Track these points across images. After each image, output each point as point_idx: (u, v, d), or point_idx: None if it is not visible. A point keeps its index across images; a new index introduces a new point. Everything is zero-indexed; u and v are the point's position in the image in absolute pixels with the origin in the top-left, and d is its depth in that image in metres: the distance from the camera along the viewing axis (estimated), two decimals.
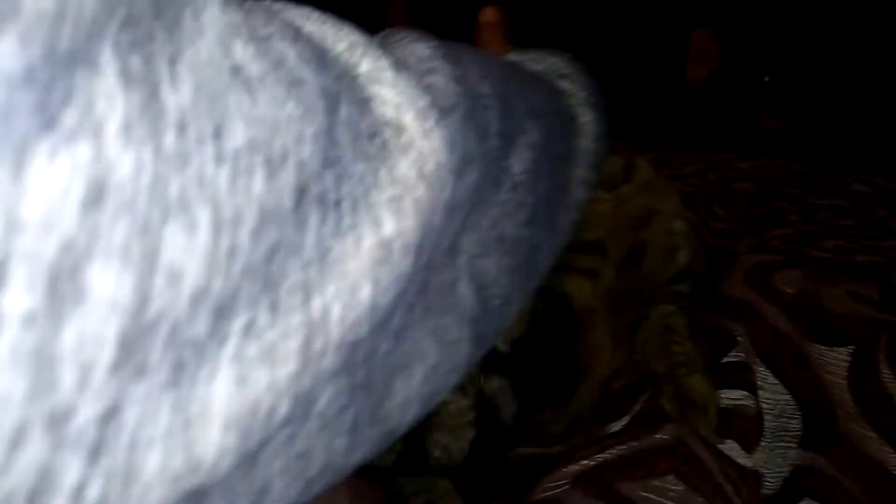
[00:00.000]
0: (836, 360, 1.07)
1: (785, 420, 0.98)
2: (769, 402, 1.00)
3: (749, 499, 0.87)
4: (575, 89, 0.60)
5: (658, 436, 0.88)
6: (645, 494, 0.78)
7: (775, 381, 1.01)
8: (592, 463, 0.84)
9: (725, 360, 1.01)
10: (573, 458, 0.86)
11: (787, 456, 0.95)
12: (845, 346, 1.07)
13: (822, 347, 1.08)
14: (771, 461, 0.95)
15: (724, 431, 0.93)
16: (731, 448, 0.91)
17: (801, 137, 3.38)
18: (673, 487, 0.81)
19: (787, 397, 1.00)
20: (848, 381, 1.05)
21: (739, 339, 1.03)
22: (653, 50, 3.58)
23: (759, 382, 1.00)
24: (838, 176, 2.17)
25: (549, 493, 0.82)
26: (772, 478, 0.94)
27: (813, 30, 3.42)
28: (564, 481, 0.82)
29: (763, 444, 0.96)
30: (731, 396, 0.96)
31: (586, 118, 0.60)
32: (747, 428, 0.94)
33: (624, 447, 0.87)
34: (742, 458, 0.92)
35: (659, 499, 0.79)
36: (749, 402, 0.96)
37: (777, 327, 1.06)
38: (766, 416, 0.99)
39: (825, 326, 1.10)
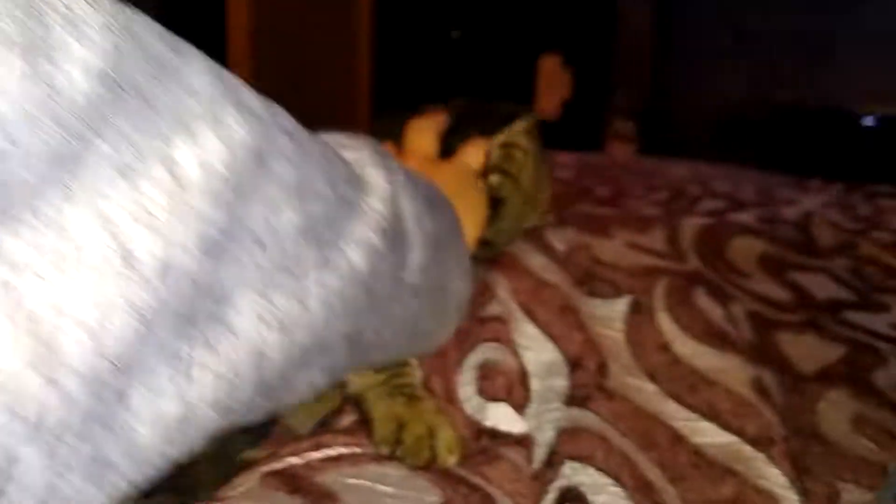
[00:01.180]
0: (611, 313, 0.95)
1: (554, 379, 0.85)
2: (536, 362, 0.86)
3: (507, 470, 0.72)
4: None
5: None
6: (353, 482, 0.62)
7: (542, 338, 0.88)
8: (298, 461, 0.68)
9: (482, 314, 0.87)
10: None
11: (554, 418, 0.81)
12: (621, 297, 0.96)
13: (597, 301, 0.97)
14: (540, 427, 0.81)
15: (491, 392, 0.79)
16: (502, 413, 0.77)
17: None
18: (394, 472, 0.65)
19: (555, 355, 0.86)
20: (625, 333, 0.93)
21: (501, 293, 0.90)
22: (500, 82, 3.55)
23: (522, 342, 0.87)
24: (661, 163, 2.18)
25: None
26: (541, 445, 0.79)
27: None
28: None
29: (531, 407, 0.82)
30: (489, 354, 0.82)
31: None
32: (512, 386, 0.80)
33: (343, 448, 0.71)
34: (510, 424, 0.77)
35: (370, 483, 0.63)
36: (507, 358, 0.82)
37: (545, 280, 0.94)
38: (533, 379, 0.85)
39: (600, 279, 0.99)
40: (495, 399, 0.78)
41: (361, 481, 0.63)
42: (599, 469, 0.73)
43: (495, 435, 0.76)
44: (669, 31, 4.25)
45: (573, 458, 0.75)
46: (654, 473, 0.76)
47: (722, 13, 4.01)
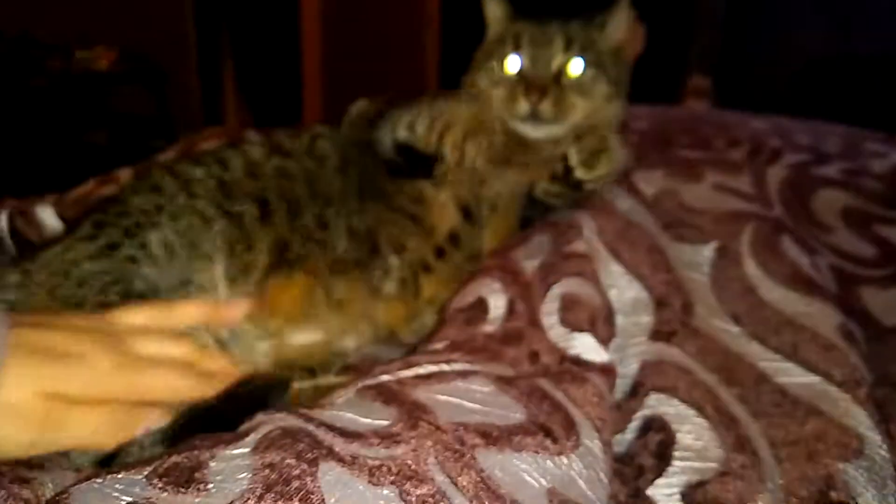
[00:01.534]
0: (698, 258, 0.96)
1: (638, 315, 0.86)
2: (620, 298, 0.88)
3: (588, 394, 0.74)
4: None
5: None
6: (443, 398, 0.65)
7: (627, 277, 0.89)
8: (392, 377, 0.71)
9: (567, 250, 0.88)
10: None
11: (638, 351, 0.83)
12: (707, 243, 0.97)
13: (684, 245, 0.97)
14: (624, 360, 0.83)
15: (574, 323, 0.81)
16: (586, 343, 0.79)
17: None
18: (480, 389, 0.68)
19: (641, 293, 0.88)
20: (711, 277, 0.94)
21: (587, 232, 0.91)
22: None
23: (607, 279, 0.88)
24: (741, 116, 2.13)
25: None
26: (624, 377, 0.82)
27: None
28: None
29: (615, 341, 0.84)
30: (573, 287, 0.84)
31: None
32: (595, 319, 0.81)
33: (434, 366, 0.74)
34: (594, 354, 0.79)
35: (459, 400, 0.66)
36: (591, 292, 0.84)
37: (632, 222, 0.95)
38: (618, 315, 0.87)
39: (687, 225, 0.99)
40: (579, 329, 0.80)
41: (450, 398, 0.65)
42: (683, 400, 0.75)
43: (579, 363, 0.77)
44: None
45: (657, 389, 0.77)
46: (736, 409, 0.77)
47: None
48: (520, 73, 1.13)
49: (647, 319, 0.86)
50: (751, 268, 0.93)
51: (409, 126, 1.09)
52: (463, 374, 0.70)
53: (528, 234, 0.97)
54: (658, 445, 0.71)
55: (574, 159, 1.00)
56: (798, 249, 0.98)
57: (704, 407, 0.75)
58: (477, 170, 1.08)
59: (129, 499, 0.50)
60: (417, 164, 1.09)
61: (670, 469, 0.69)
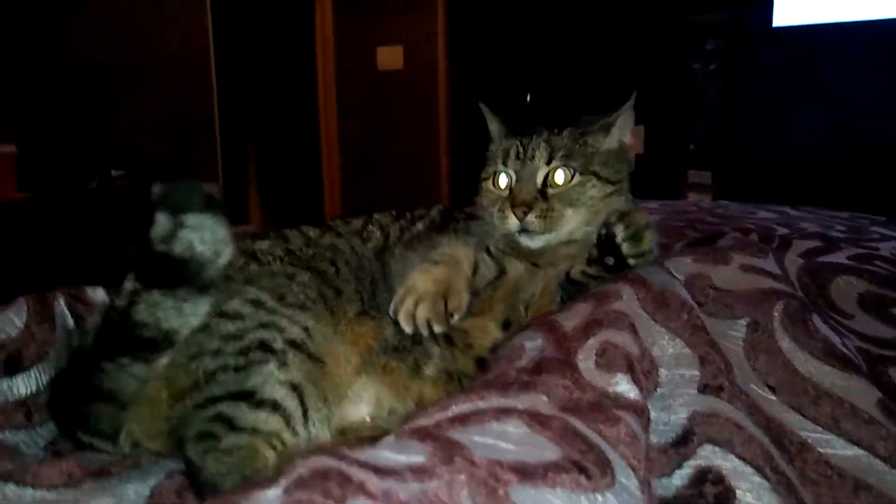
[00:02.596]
0: (730, 331, 0.97)
1: (683, 369, 0.87)
2: (662, 354, 0.89)
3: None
4: None
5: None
6: (479, 439, 0.66)
7: (668, 335, 0.91)
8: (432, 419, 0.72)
9: (605, 308, 0.91)
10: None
11: (686, 401, 0.83)
12: (739, 318, 0.98)
13: (716, 320, 0.99)
14: (670, 408, 0.83)
15: (610, 364, 0.81)
16: (619, 380, 0.79)
17: None
18: (514, 430, 0.69)
19: (683, 349, 0.89)
20: (744, 348, 0.95)
21: (625, 296, 0.94)
22: None
23: (647, 337, 0.90)
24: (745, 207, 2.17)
25: None
26: (670, 424, 0.82)
27: None
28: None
29: (660, 391, 0.85)
30: (610, 337, 0.86)
31: None
32: (633, 364, 0.83)
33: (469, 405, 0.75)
34: (627, 391, 0.79)
35: (494, 441, 0.67)
36: (628, 342, 0.85)
37: (668, 291, 0.97)
38: (661, 368, 0.87)
39: (719, 303, 1.01)
40: (613, 370, 0.79)
41: (485, 438, 0.64)
42: (740, 457, 0.73)
43: (612, 400, 0.76)
44: (742, 82, 4.26)
45: (711, 440, 0.75)
46: (790, 472, 0.76)
47: (796, 62, 4.01)
48: (509, 188, 1.18)
49: (692, 373, 0.85)
50: (784, 341, 0.94)
51: (395, 305, 1.04)
52: (497, 415, 0.69)
53: (568, 304, 0.99)
54: (716, 499, 0.70)
55: (620, 235, 1.02)
56: (828, 328, 0.99)
57: (763, 466, 0.73)
58: (515, 285, 1.11)
59: None
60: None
61: None
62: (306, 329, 0.95)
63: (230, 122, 5.25)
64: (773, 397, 0.89)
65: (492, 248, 1.15)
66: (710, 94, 4.32)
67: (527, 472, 0.61)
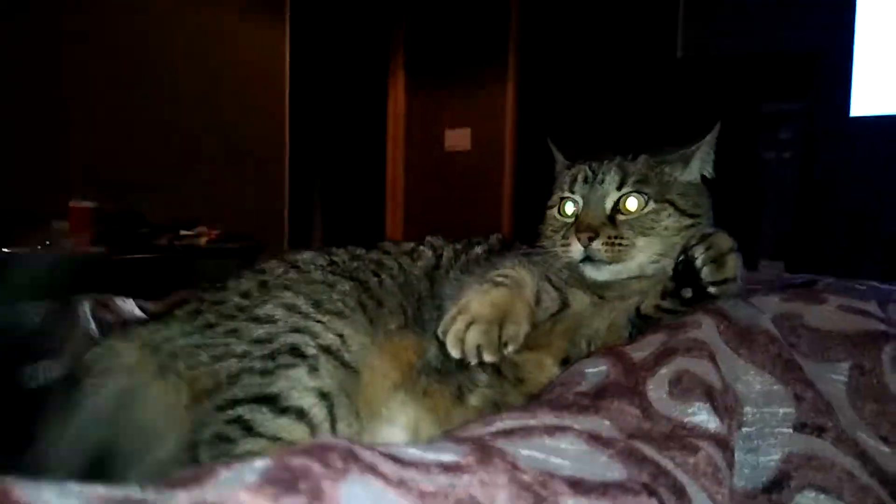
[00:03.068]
0: (830, 374, 0.83)
1: (774, 407, 0.73)
2: (748, 391, 0.75)
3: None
4: None
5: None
6: (527, 452, 0.54)
7: (754, 370, 0.77)
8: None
9: (681, 336, 0.78)
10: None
11: (779, 442, 0.69)
12: (840, 361, 0.84)
13: (813, 362, 0.84)
14: (760, 449, 0.69)
15: (686, 394, 0.69)
16: (696, 409, 0.66)
17: None
18: (570, 446, 0.57)
19: (774, 386, 0.75)
20: (847, 392, 0.80)
21: (706, 327, 0.81)
22: None
23: (729, 372, 0.76)
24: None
25: None
26: (759, 467, 0.68)
27: None
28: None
29: (745, 430, 0.71)
30: (687, 365, 0.73)
31: None
32: (713, 394, 0.69)
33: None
34: (706, 421, 0.66)
35: (545, 455, 0.55)
36: (708, 371, 0.72)
37: (753, 325, 0.83)
38: (747, 406, 0.74)
39: (813, 342, 0.87)
40: (690, 400, 0.67)
41: (534, 452, 0.54)
42: None
43: (690, 430, 0.64)
44: (815, 172, 4.12)
45: (814, 486, 0.61)
46: None
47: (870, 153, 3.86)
48: (575, 215, 1.08)
49: (786, 410, 0.71)
50: None
51: (444, 326, 0.92)
52: (550, 431, 0.58)
53: (637, 338, 0.87)
54: None
55: (700, 258, 0.89)
56: None
57: None
58: (573, 320, 0.98)
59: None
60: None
61: None
62: (342, 336, 0.86)
63: (300, 204, 5.36)
64: (887, 449, 0.74)
65: (553, 279, 1.04)
66: (784, 183, 4.18)
67: (583, 487, 0.49)
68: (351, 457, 0.42)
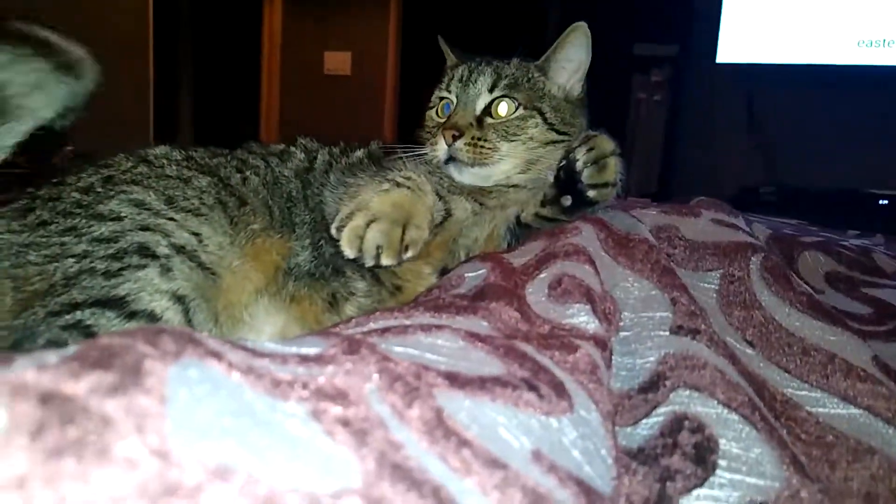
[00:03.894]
0: (702, 283, 0.83)
1: (651, 311, 0.72)
2: (626, 297, 0.74)
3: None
4: None
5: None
6: (400, 349, 0.49)
7: (633, 276, 0.76)
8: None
9: (561, 242, 0.76)
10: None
11: (655, 344, 0.68)
12: (712, 270, 0.85)
13: (686, 271, 0.85)
14: (637, 352, 0.68)
15: (565, 296, 0.67)
16: (576, 311, 0.64)
17: None
18: (447, 343, 0.53)
19: (652, 291, 0.74)
20: (717, 300, 0.81)
21: (586, 233, 0.79)
22: None
23: (608, 279, 0.75)
24: None
25: None
26: (635, 369, 0.67)
27: None
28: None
29: (623, 335, 0.70)
30: (567, 269, 0.70)
31: None
32: (592, 296, 0.67)
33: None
34: (585, 322, 0.64)
35: (420, 352, 0.50)
36: (587, 276, 0.70)
37: (633, 234, 0.82)
38: (625, 311, 0.72)
39: (688, 252, 0.88)
40: (569, 302, 0.65)
41: (409, 349, 0.50)
42: (724, 404, 0.58)
43: (569, 330, 0.62)
44: (682, 114, 4.29)
45: (689, 385, 0.60)
46: (779, 427, 0.62)
47: (734, 99, 4.05)
48: (447, 115, 1.04)
49: (663, 314, 0.70)
50: (764, 294, 0.81)
51: (340, 222, 0.84)
52: (426, 328, 0.54)
53: (520, 244, 0.84)
54: (695, 448, 0.55)
55: (582, 160, 0.86)
56: (807, 286, 0.87)
57: (750, 415, 0.58)
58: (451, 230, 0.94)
59: None
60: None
61: (714, 480, 0.52)
62: (198, 235, 0.76)
63: (167, 131, 4.97)
64: (752, 351, 0.76)
65: (437, 188, 0.98)
66: (653, 124, 4.33)
67: (459, 380, 0.45)
68: (189, 341, 0.35)
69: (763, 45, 3.99)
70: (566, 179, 0.88)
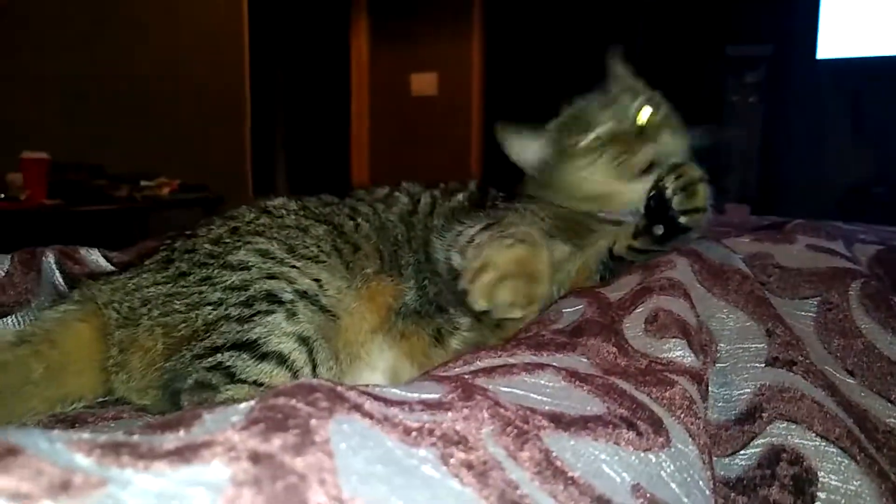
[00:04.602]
0: (799, 312, 0.85)
1: (747, 343, 0.75)
2: (722, 328, 0.77)
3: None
4: None
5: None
6: (506, 389, 0.55)
7: (728, 307, 0.79)
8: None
9: (656, 276, 0.79)
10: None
11: (751, 376, 0.71)
12: (809, 298, 0.86)
13: (783, 300, 0.87)
14: (732, 383, 0.72)
15: (661, 330, 0.71)
16: (672, 346, 0.68)
17: None
18: (549, 383, 0.58)
19: (747, 322, 0.77)
20: (815, 327, 0.83)
21: (680, 266, 0.82)
22: None
23: (703, 310, 0.78)
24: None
25: None
26: (732, 400, 0.70)
27: None
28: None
29: (719, 366, 0.73)
30: (661, 304, 0.74)
31: None
32: (688, 331, 0.71)
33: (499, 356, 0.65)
34: (681, 356, 0.68)
35: (524, 392, 0.56)
36: (683, 309, 0.74)
37: (726, 265, 0.85)
38: (721, 343, 0.76)
39: (783, 279, 0.90)
40: (666, 336, 0.69)
41: (514, 389, 0.54)
42: (822, 436, 0.61)
43: (665, 365, 0.65)
44: (781, 115, 4.16)
45: (785, 417, 0.62)
46: (880, 458, 0.64)
47: (836, 96, 3.90)
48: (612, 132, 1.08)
49: (758, 346, 0.73)
50: (864, 321, 0.82)
51: (461, 252, 0.94)
52: (529, 368, 0.59)
53: (615, 277, 0.88)
54: (793, 481, 0.58)
55: (671, 188, 0.89)
56: None
57: (849, 447, 0.61)
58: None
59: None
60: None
61: None
62: (318, 281, 0.85)
63: (263, 154, 5.24)
64: (853, 381, 0.77)
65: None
66: (750, 126, 4.22)
67: (563, 421, 0.50)
68: (336, 396, 0.42)
69: (866, 37, 3.84)
70: (656, 208, 0.92)
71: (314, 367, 0.78)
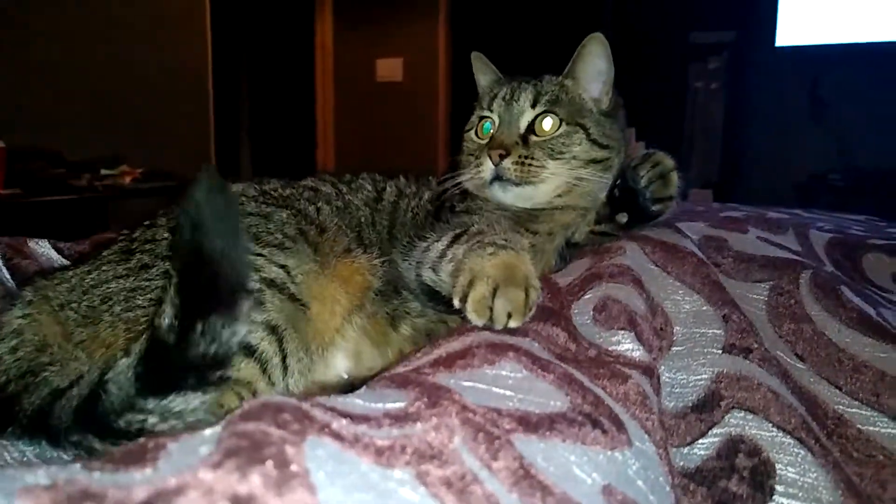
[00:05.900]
0: (750, 294, 0.87)
1: (703, 327, 0.76)
2: (677, 311, 0.78)
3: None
4: None
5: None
6: (469, 384, 0.55)
7: (684, 289, 0.80)
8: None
9: (605, 262, 0.80)
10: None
11: (709, 361, 0.72)
12: (760, 282, 0.88)
13: (735, 281, 0.88)
14: (690, 368, 0.73)
15: (608, 321, 0.71)
16: (620, 340, 0.68)
17: None
18: (511, 374, 0.58)
19: (703, 306, 0.78)
20: (767, 312, 0.84)
21: (631, 252, 0.83)
22: None
23: (659, 293, 0.79)
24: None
25: None
26: (689, 385, 0.71)
27: None
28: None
29: (675, 349, 0.74)
30: (611, 292, 0.75)
31: None
32: (635, 322, 0.72)
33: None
34: (631, 350, 0.69)
35: (487, 386, 0.56)
36: (632, 298, 0.75)
37: (681, 247, 0.86)
38: (676, 325, 0.77)
39: (736, 264, 0.91)
40: (614, 328, 0.69)
41: (477, 384, 0.54)
42: (780, 427, 0.62)
43: (612, 355, 0.66)
44: (742, 102, 4.21)
45: (742, 406, 0.64)
46: (832, 446, 0.66)
47: (796, 84, 3.96)
48: (491, 135, 1.04)
49: (715, 332, 0.73)
50: (814, 309, 0.83)
51: (434, 268, 0.88)
52: (488, 356, 0.58)
53: (568, 263, 0.89)
54: (751, 473, 0.59)
55: (647, 176, 0.90)
56: (861, 300, 0.89)
57: (805, 438, 0.61)
58: None
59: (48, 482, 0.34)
60: (441, 302, 0.90)
61: None
62: (285, 267, 0.83)
63: (227, 141, 5.16)
64: (803, 366, 0.78)
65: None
66: (712, 112, 4.28)
67: (531, 422, 0.50)
68: (303, 416, 0.42)
69: (825, 25, 3.90)
70: (622, 197, 0.92)
71: (284, 359, 0.77)
